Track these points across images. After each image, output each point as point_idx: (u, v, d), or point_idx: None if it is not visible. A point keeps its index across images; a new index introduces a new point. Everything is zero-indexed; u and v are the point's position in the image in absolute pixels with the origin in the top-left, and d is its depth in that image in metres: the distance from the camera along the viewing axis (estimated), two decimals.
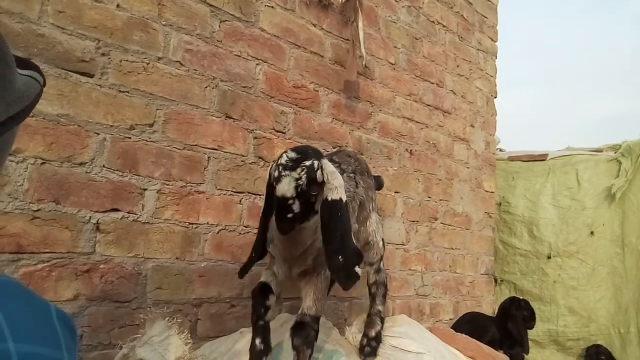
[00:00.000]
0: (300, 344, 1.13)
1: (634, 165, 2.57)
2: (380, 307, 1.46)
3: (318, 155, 1.08)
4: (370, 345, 1.38)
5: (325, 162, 1.08)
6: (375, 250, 1.48)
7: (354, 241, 1.10)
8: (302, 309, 1.16)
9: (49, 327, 0.44)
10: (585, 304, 2.55)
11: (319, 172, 1.04)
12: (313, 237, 1.13)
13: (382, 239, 1.52)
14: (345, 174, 1.33)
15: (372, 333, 1.40)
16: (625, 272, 2.56)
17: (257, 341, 1.15)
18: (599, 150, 2.90)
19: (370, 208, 1.48)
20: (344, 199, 1.08)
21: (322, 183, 1.06)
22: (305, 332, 1.14)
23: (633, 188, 2.59)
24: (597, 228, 2.60)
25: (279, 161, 1.05)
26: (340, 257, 1.04)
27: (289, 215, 1.02)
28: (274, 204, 1.05)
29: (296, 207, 1.02)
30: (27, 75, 0.51)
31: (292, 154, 1.05)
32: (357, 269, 1.05)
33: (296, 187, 1.01)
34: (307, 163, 1.04)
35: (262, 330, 1.16)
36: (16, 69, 0.49)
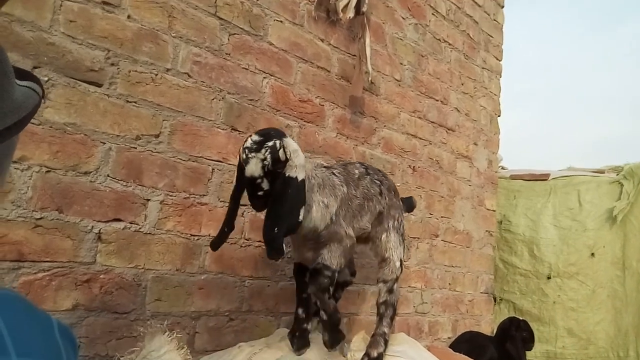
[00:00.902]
0: (315, 290, 1.28)
1: (635, 187, 2.58)
2: (386, 329, 1.45)
3: (280, 135, 1.18)
4: None
5: (287, 141, 1.19)
6: (391, 268, 1.50)
7: (300, 216, 1.17)
8: (316, 260, 1.28)
9: (51, 341, 0.45)
10: (584, 326, 2.53)
11: (281, 151, 1.15)
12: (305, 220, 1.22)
13: (401, 261, 1.53)
14: (369, 177, 1.48)
15: (374, 354, 1.39)
16: (625, 295, 2.55)
17: (300, 310, 1.34)
18: (601, 171, 2.91)
19: (390, 225, 1.52)
20: (301, 177, 1.17)
21: (287, 160, 1.16)
22: (317, 278, 1.27)
23: (635, 211, 2.59)
24: (598, 250, 2.59)
25: (245, 144, 1.16)
26: (276, 228, 1.13)
27: (260, 193, 1.15)
28: (245, 185, 1.17)
29: (265, 185, 1.15)
30: (26, 87, 0.50)
31: (256, 137, 1.17)
32: (284, 246, 1.15)
33: (263, 167, 1.13)
34: (270, 143, 1.15)
35: (305, 302, 1.34)
36: (15, 79, 0.49)
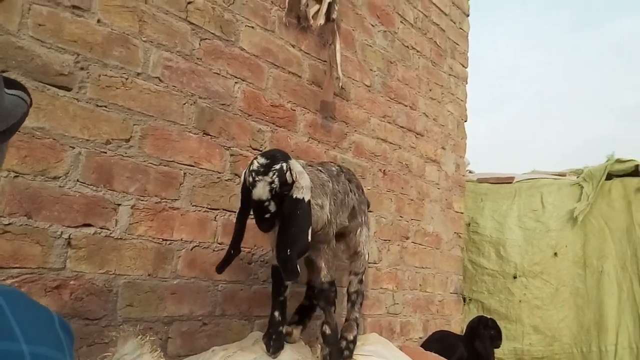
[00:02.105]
0: (324, 305, 1.41)
1: (595, 189, 2.70)
2: (357, 315, 1.58)
3: (286, 158, 1.21)
4: (348, 348, 1.49)
5: (293, 163, 1.22)
6: (361, 261, 1.62)
7: (309, 238, 1.21)
8: (320, 278, 1.38)
9: (54, 332, 0.48)
10: (549, 323, 2.63)
11: (288, 173, 1.18)
12: None
13: (368, 253, 1.66)
14: (343, 175, 1.55)
15: (350, 337, 1.51)
16: (587, 293, 2.66)
17: (276, 313, 1.37)
18: (562, 174, 3.03)
19: (362, 220, 1.63)
20: (307, 198, 1.20)
21: (293, 183, 1.19)
22: (325, 294, 1.39)
23: (594, 211, 2.72)
24: (561, 249, 2.70)
25: (251, 167, 1.18)
26: (289, 250, 1.16)
27: (267, 216, 1.18)
28: (252, 207, 1.19)
29: (272, 207, 1.17)
30: (15, 95, 0.52)
31: (262, 160, 1.19)
32: (298, 266, 1.18)
33: (270, 190, 1.16)
34: (277, 166, 1.17)
35: (280, 305, 1.37)
36: (4, 88, 0.50)
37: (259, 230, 1.23)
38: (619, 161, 2.71)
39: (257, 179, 1.16)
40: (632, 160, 2.69)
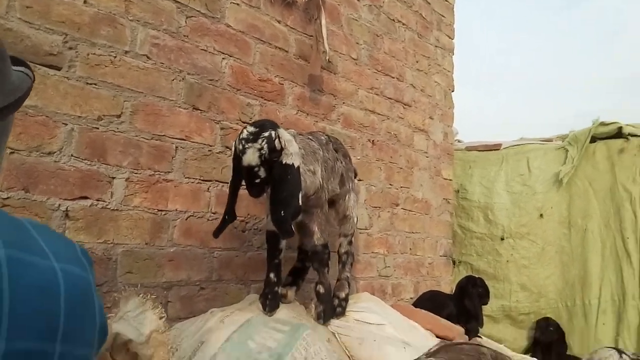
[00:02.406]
0: (318, 266, 1.48)
1: (579, 152, 2.77)
2: (348, 274, 1.67)
3: (274, 126, 1.27)
4: (341, 305, 1.57)
5: (282, 131, 1.27)
6: (350, 224, 1.70)
7: (299, 202, 1.27)
8: (312, 241, 1.45)
9: (77, 256, 0.53)
10: (535, 281, 2.74)
11: (277, 140, 1.23)
12: None
13: (357, 217, 1.75)
14: (331, 143, 1.61)
15: (342, 295, 1.60)
16: (571, 251, 2.76)
17: (272, 275, 1.44)
18: (549, 140, 3.10)
19: (350, 186, 1.71)
20: (297, 164, 1.26)
21: (281, 149, 1.24)
22: (319, 256, 1.46)
23: (579, 173, 2.79)
24: (546, 211, 2.79)
25: (241, 136, 1.24)
26: (282, 211, 1.23)
27: (257, 181, 1.23)
28: (242, 173, 1.25)
29: (262, 173, 1.23)
30: (21, 71, 0.58)
31: (252, 128, 1.24)
32: (293, 227, 1.26)
33: (260, 157, 1.21)
34: (266, 134, 1.23)
35: (275, 267, 1.44)
36: (11, 64, 0.56)
37: (250, 196, 1.30)
38: (602, 124, 2.76)
39: (246, 146, 1.22)
40: (615, 122, 2.75)
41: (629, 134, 2.70)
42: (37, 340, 0.43)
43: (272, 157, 1.23)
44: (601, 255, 2.65)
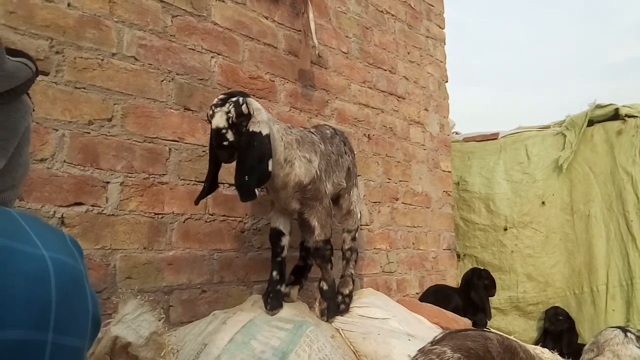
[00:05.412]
0: (320, 262, 1.48)
1: (577, 137, 2.75)
2: (352, 271, 1.66)
3: (244, 95, 1.30)
4: (344, 302, 1.55)
5: (250, 100, 1.29)
6: (354, 219, 1.69)
7: (269, 168, 1.27)
8: (313, 237, 1.44)
9: (66, 245, 0.53)
10: (541, 270, 2.71)
11: (244, 105, 1.26)
12: (285, 180, 1.36)
13: (361, 212, 1.73)
14: (337, 137, 1.63)
15: (346, 291, 1.59)
16: (576, 237, 2.73)
17: (274, 273, 1.44)
18: (547, 127, 3.08)
19: (355, 182, 1.71)
20: (265, 132, 1.27)
21: (249, 115, 1.26)
22: (321, 252, 1.45)
23: (578, 158, 2.77)
24: (548, 198, 2.77)
25: (211, 103, 1.27)
26: (246, 176, 1.24)
27: (225, 143, 1.25)
28: (211, 136, 1.26)
29: (230, 135, 1.24)
30: (18, 62, 0.56)
31: (222, 96, 1.29)
32: (257, 190, 1.25)
33: (227, 119, 1.24)
34: (234, 99, 1.26)
35: (279, 265, 1.45)
36: (5, 55, 0.54)
37: (220, 161, 1.31)
38: (599, 107, 2.75)
39: (215, 110, 1.25)
40: (611, 104, 2.73)
41: (626, 115, 2.69)
42: (29, 328, 0.42)
43: (240, 120, 1.25)
44: (606, 239, 2.62)
